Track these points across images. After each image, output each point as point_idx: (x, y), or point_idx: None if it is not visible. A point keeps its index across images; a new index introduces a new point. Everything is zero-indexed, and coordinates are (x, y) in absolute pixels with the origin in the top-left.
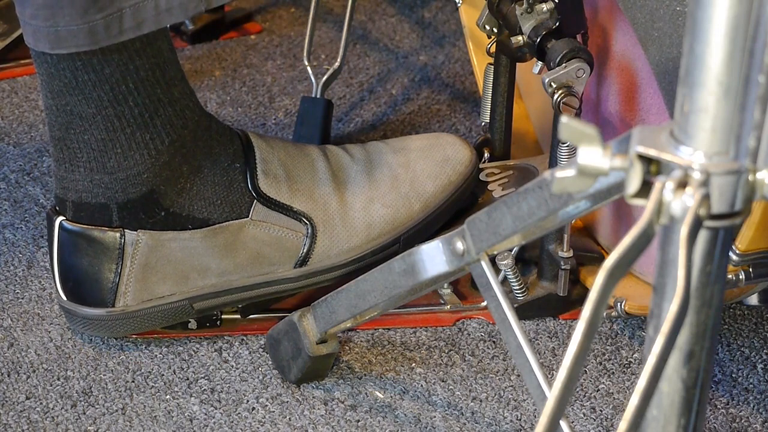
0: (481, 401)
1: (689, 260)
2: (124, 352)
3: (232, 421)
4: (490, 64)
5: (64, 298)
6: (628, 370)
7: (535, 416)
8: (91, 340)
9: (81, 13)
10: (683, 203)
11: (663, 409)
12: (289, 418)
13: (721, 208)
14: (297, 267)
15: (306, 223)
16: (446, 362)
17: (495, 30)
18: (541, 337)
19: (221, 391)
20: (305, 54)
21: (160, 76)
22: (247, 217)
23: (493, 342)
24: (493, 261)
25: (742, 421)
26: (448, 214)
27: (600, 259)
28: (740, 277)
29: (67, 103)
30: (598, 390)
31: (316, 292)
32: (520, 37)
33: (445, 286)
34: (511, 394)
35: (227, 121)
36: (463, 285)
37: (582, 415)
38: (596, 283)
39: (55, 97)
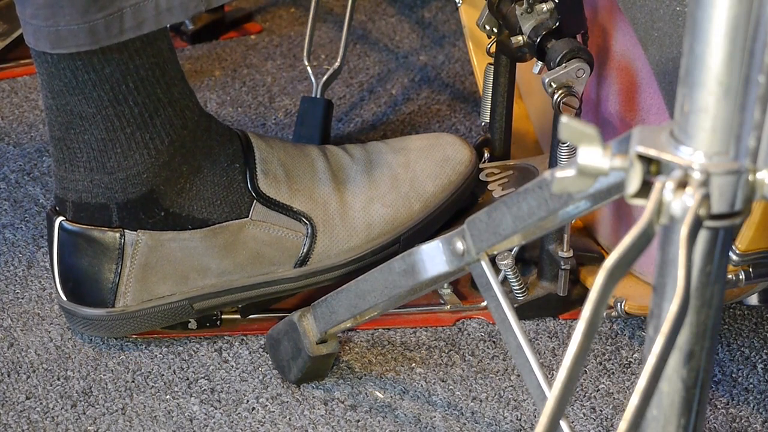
0: (481, 401)
1: (689, 260)
2: (124, 352)
3: (232, 421)
4: (490, 64)
5: (64, 298)
6: (628, 370)
7: (535, 416)
8: (91, 340)
9: (81, 12)
10: (683, 203)
11: (663, 409)
12: (289, 418)
13: (721, 208)
14: (297, 267)
15: (306, 223)
16: (446, 362)
17: (495, 30)
18: (541, 337)
19: (221, 391)
20: (305, 54)
21: (160, 76)
22: (247, 217)
23: (493, 342)
24: (493, 261)
25: (742, 421)
26: (448, 214)
27: (600, 259)
28: (740, 277)
29: (67, 102)
30: (598, 390)
31: (316, 292)
32: (520, 37)
33: (445, 286)
34: (511, 394)
35: (227, 121)
36: (463, 285)
37: (582, 415)
38: (596, 283)
39: (55, 97)
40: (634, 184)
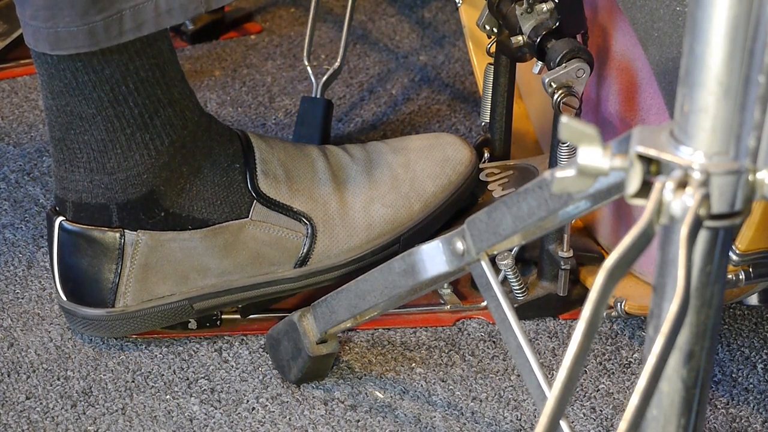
0: (481, 401)
1: (689, 260)
2: (124, 352)
3: (232, 421)
4: (490, 64)
5: (64, 298)
6: (628, 370)
7: (535, 416)
8: (91, 340)
9: (81, 14)
10: (683, 203)
11: (663, 409)
12: (289, 418)
13: (721, 208)
14: (297, 267)
15: (306, 223)
16: (446, 362)
17: (495, 30)
18: (541, 337)
19: (221, 391)
20: (305, 54)
21: (160, 76)
22: (247, 217)
23: (493, 342)
24: (493, 261)
25: (742, 421)
26: (448, 214)
27: (600, 259)
28: (740, 277)
29: (67, 103)
30: (598, 390)
31: (316, 292)
32: (520, 37)
33: (445, 286)
34: (511, 394)
35: (227, 121)
36: (463, 285)
37: (582, 415)
38: (596, 283)
39: (55, 98)
40: (634, 184)
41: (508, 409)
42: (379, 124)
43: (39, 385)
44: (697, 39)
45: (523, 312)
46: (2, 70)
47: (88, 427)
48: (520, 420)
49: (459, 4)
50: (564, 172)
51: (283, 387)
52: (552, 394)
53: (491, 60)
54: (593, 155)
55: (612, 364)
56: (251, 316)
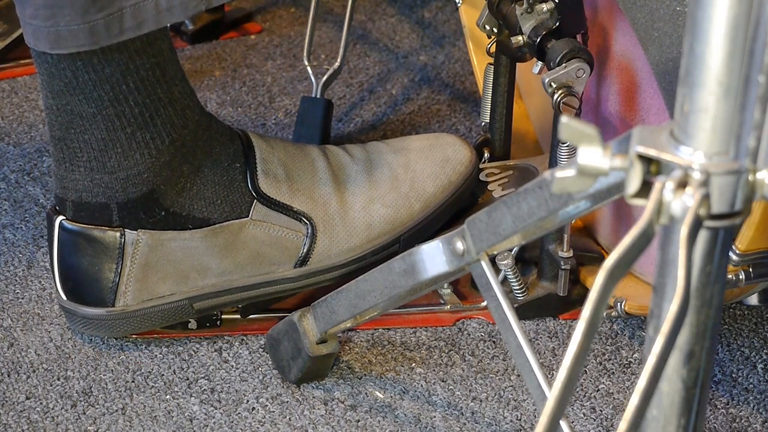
0: (481, 401)
1: (689, 260)
2: (124, 352)
3: (232, 421)
4: (490, 64)
5: (64, 297)
6: (628, 370)
7: (535, 416)
8: (91, 340)
9: (81, 12)
10: (683, 203)
11: (663, 409)
12: (289, 418)
13: (721, 208)
14: (297, 267)
15: (306, 223)
16: (446, 362)
17: (495, 30)
18: (541, 337)
19: (221, 391)
20: (305, 54)
21: (160, 75)
22: (247, 216)
23: (493, 342)
24: (493, 261)
25: (742, 421)
26: (448, 214)
27: (600, 259)
28: (740, 277)
29: (67, 102)
30: (598, 390)
31: (316, 292)
32: (520, 37)
33: (445, 286)
34: (511, 394)
35: (227, 121)
36: (463, 285)
37: (582, 415)
38: (596, 283)
39: (55, 97)
40: (634, 184)
41: (508, 409)
42: (379, 124)
43: (39, 385)
44: (697, 39)
45: (523, 312)
46: (2, 70)
47: (88, 427)
48: (520, 420)
49: (459, 4)
50: (564, 172)
51: (283, 387)
52: (552, 394)
53: (491, 60)
54: (593, 155)
55: (612, 364)
56: (251, 316)
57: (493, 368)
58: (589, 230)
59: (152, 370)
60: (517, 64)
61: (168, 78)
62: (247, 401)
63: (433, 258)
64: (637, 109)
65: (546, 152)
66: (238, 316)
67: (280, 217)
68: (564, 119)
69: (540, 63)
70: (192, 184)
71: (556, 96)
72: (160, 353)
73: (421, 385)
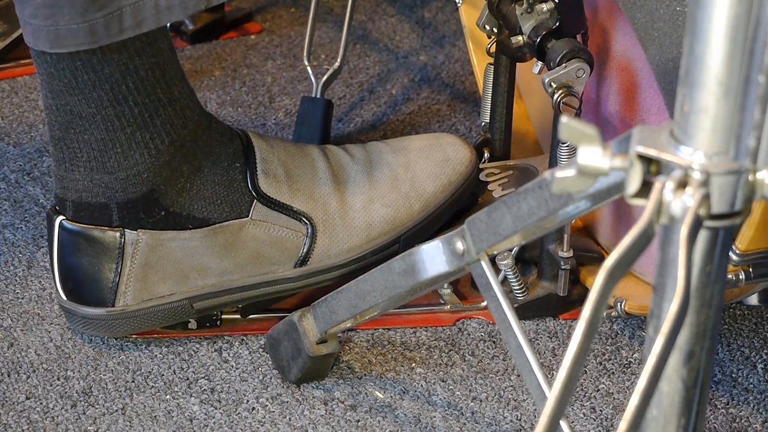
0: (481, 401)
1: (689, 260)
2: (124, 352)
3: (232, 421)
4: (490, 64)
5: (64, 297)
6: (628, 370)
7: (535, 416)
8: (91, 340)
9: (81, 11)
10: (683, 203)
11: (663, 409)
12: (289, 418)
13: (721, 208)
14: (297, 267)
15: (306, 223)
16: (446, 362)
17: (495, 30)
18: (541, 337)
19: (221, 391)
20: (305, 54)
21: (160, 75)
22: (247, 216)
23: (493, 342)
24: (493, 261)
25: (742, 421)
26: (448, 214)
27: (600, 259)
28: (740, 277)
29: (67, 102)
30: (598, 390)
31: (316, 292)
32: (520, 37)
33: (445, 286)
34: (511, 394)
35: (227, 121)
36: (463, 285)
37: (582, 415)
38: (596, 283)
39: (55, 97)
40: (634, 184)
41: (508, 409)
42: (379, 124)
43: (39, 385)
44: (697, 39)
45: (523, 312)
46: (2, 70)
47: (88, 427)
48: (520, 420)
49: (459, 4)
50: (564, 172)
51: (283, 387)
52: (552, 394)
53: (491, 60)
54: (593, 155)
55: (612, 364)
56: (251, 316)
57: (493, 368)
58: (589, 230)
59: (152, 370)
60: (517, 64)
61: (168, 78)
62: (247, 401)
63: (433, 258)
64: (637, 109)
65: (546, 152)
66: (238, 316)
67: (280, 217)
68: (564, 119)
69: (540, 63)
70: (192, 184)
71: (556, 96)
72: (160, 353)
73: (421, 385)
